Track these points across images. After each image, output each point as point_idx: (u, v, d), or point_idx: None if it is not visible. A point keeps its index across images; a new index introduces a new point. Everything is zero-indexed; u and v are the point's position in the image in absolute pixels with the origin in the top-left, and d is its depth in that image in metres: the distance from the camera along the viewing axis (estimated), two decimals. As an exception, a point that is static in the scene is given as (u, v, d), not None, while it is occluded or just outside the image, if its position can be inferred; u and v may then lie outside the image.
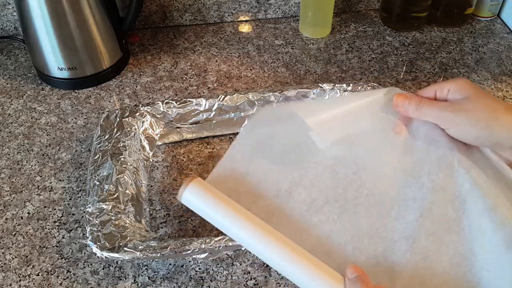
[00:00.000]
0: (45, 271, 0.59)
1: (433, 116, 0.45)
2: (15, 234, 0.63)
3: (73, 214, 0.65)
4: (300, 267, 0.42)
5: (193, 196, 0.43)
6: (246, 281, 0.58)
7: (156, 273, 0.59)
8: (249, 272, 0.59)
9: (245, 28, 0.99)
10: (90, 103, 0.81)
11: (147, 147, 0.71)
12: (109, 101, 0.82)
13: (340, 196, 0.46)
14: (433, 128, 0.46)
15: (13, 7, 0.92)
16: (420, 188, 0.46)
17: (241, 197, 0.45)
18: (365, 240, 0.45)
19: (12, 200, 0.67)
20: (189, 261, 0.59)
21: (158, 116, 0.72)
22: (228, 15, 1.00)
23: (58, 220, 0.64)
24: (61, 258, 0.60)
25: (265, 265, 0.59)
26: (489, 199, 0.44)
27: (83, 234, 0.62)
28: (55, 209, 0.65)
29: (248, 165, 0.47)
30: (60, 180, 0.69)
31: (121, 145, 0.66)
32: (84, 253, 0.61)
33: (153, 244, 0.55)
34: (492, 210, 0.44)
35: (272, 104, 0.73)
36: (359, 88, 0.74)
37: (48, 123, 0.78)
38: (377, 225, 0.45)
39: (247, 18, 1.01)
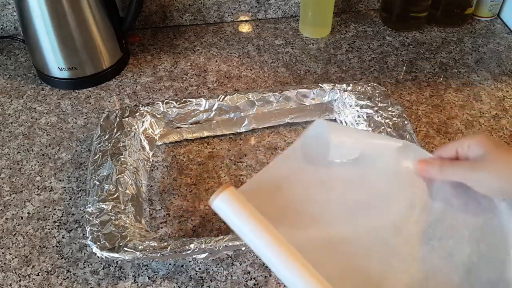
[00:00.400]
0: (45, 271, 0.59)
1: (456, 176, 0.46)
2: (15, 234, 0.63)
3: (73, 214, 0.65)
4: None
5: (224, 205, 0.44)
6: (246, 281, 0.58)
7: (156, 273, 0.59)
8: (249, 272, 0.59)
9: (245, 28, 0.99)
10: (90, 103, 0.81)
11: (147, 147, 0.71)
12: (109, 101, 0.82)
13: (356, 241, 0.47)
14: (451, 190, 0.47)
15: (13, 7, 0.92)
16: (430, 251, 0.48)
17: (267, 217, 0.46)
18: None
19: (12, 200, 0.67)
20: (189, 261, 0.59)
21: (158, 116, 0.72)
22: (228, 15, 1.00)
23: (58, 220, 0.64)
24: (61, 258, 0.60)
25: (265, 265, 0.59)
26: (494, 273, 0.45)
27: (83, 234, 0.62)
28: (55, 209, 0.65)
29: (276, 190, 0.48)
30: (60, 180, 0.69)
31: (121, 145, 0.66)
32: (84, 253, 0.61)
33: (153, 244, 0.55)
34: (495, 284, 0.45)
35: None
36: (359, 88, 0.74)
37: (48, 123, 0.78)
38: (385, 276, 0.46)
39: (247, 18, 1.01)
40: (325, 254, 0.46)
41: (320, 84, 0.74)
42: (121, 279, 0.58)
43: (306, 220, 0.47)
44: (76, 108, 0.81)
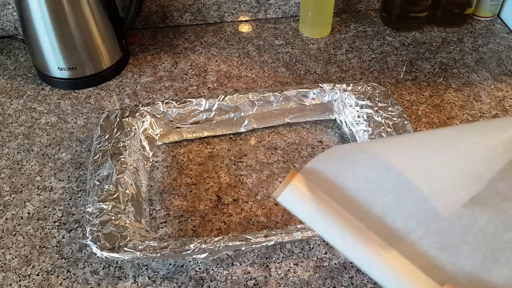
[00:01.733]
0: (45, 271, 0.59)
1: None
2: (15, 234, 0.63)
3: (73, 214, 0.65)
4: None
5: (294, 197, 0.40)
6: (246, 281, 0.58)
7: (156, 273, 0.59)
8: (249, 272, 0.59)
9: (245, 28, 0.99)
10: (90, 103, 0.81)
11: (147, 147, 0.71)
12: (109, 101, 0.82)
13: (443, 230, 0.40)
14: None
15: (13, 7, 0.92)
16: None
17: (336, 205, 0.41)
18: (464, 282, 0.40)
19: (12, 200, 0.67)
20: (189, 261, 0.59)
21: (158, 116, 0.72)
22: (228, 15, 1.00)
23: (58, 220, 0.64)
24: (61, 258, 0.60)
25: (265, 265, 0.59)
26: None
27: (83, 234, 0.62)
28: (55, 209, 0.65)
29: (337, 176, 0.42)
30: (60, 180, 0.69)
31: (121, 145, 0.66)
32: (84, 253, 0.61)
33: (153, 244, 0.55)
34: None
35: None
36: (359, 88, 0.74)
37: (48, 123, 0.78)
38: (480, 268, 0.40)
39: (247, 18, 1.01)
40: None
41: (320, 84, 0.74)
42: (121, 279, 0.58)
43: (374, 219, 0.41)
44: (76, 108, 0.81)
